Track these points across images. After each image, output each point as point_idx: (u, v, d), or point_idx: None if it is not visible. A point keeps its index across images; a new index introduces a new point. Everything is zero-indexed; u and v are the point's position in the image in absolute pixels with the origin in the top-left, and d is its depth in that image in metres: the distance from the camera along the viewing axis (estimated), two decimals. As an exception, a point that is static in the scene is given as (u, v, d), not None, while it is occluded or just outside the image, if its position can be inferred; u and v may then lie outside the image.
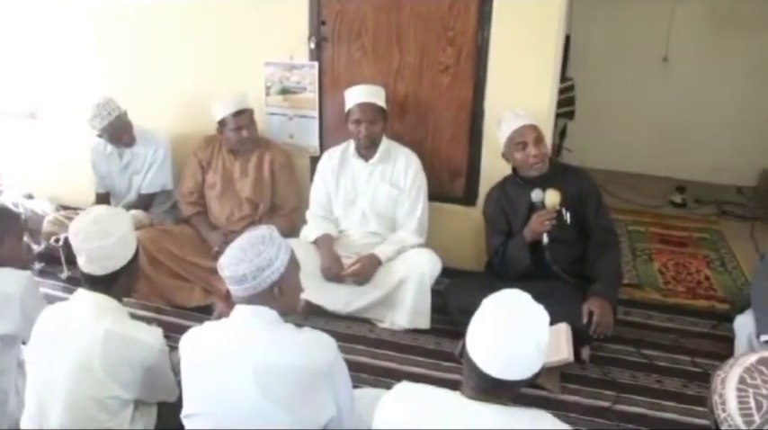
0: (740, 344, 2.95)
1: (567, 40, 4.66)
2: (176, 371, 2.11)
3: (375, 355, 3.12)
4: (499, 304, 1.59)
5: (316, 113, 3.86)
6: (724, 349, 3.04)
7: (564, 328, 2.78)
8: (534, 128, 3.12)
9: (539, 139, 3.11)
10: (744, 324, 2.93)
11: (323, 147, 3.83)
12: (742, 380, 1.37)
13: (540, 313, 1.58)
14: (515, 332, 1.52)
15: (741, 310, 3.03)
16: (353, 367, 2.45)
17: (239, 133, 3.55)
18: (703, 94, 5.40)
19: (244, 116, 3.55)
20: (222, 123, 3.57)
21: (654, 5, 5.31)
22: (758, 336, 2.79)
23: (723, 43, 5.25)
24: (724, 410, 1.38)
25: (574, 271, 3.08)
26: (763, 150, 5.32)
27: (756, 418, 1.33)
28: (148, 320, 2.83)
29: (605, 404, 2.79)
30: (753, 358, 1.40)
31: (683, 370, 3.04)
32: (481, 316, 1.59)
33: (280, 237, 1.94)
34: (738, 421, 1.35)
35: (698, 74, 5.37)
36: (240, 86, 3.73)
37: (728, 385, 1.39)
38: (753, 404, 1.34)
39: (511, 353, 1.52)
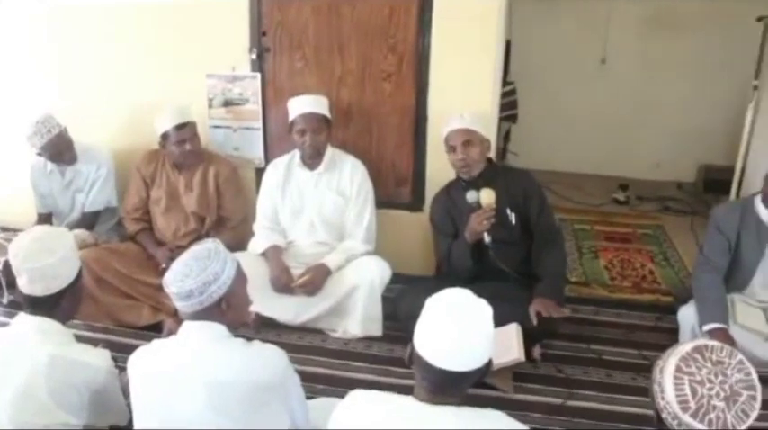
0: (684, 334, 3.04)
1: (508, 44, 4.74)
2: (126, 393, 2.06)
3: (329, 365, 3.10)
4: (442, 300, 1.62)
5: (260, 125, 3.83)
6: (669, 340, 3.06)
7: (514, 328, 2.81)
8: (466, 132, 3.13)
9: (467, 144, 3.12)
10: (687, 315, 3.03)
11: (268, 159, 3.81)
12: (678, 369, 1.42)
13: (482, 305, 1.61)
14: (460, 321, 1.55)
15: (684, 302, 3.12)
16: (307, 378, 2.45)
17: (182, 147, 3.50)
18: (641, 93, 5.56)
19: (186, 129, 3.51)
20: (165, 137, 3.52)
21: (590, 9, 5.44)
22: (701, 327, 2.89)
23: (658, 44, 5.42)
24: (663, 398, 1.43)
25: (522, 271, 3.11)
26: (700, 147, 5.50)
27: (692, 405, 1.37)
28: (95, 341, 2.76)
29: (558, 401, 2.83)
30: (688, 347, 1.45)
31: (631, 363, 3.10)
32: (426, 314, 1.61)
33: (225, 250, 1.93)
34: (676, 408, 1.39)
35: (636, 74, 5.53)
36: (182, 99, 3.67)
37: (666, 374, 1.44)
38: (688, 390, 1.39)
39: (458, 343, 1.53)
